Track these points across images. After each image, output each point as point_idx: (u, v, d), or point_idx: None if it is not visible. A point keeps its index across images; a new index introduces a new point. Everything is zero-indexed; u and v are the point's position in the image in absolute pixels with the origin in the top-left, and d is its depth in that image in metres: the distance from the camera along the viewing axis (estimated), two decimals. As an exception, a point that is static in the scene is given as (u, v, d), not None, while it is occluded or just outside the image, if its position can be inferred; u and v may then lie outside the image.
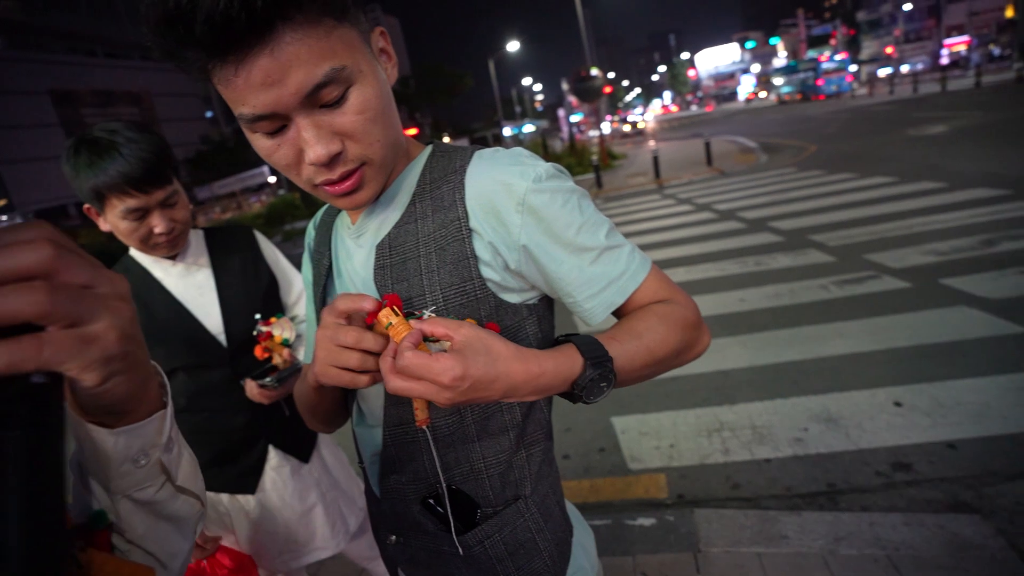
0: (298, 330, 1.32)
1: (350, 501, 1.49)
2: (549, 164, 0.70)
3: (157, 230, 1.17)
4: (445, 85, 37.21)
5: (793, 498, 2.21)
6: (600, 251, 0.68)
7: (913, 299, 3.72)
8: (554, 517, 0.79)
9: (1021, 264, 3.92)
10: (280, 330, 1.23)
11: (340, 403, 0.83)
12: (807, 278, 4.47)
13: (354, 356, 0.61)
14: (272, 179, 33.51)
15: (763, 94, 61.94)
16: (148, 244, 1.20)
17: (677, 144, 20.67)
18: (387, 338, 0.60)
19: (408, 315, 0.62)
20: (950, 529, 1.86)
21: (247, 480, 1.33)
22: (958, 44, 46.39)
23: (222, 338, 1.27)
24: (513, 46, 33.30)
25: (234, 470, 1.32)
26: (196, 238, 1.34)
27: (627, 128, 35.59)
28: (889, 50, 54.35)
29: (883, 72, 46.57)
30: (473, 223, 0.68)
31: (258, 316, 1.27)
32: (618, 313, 0.72)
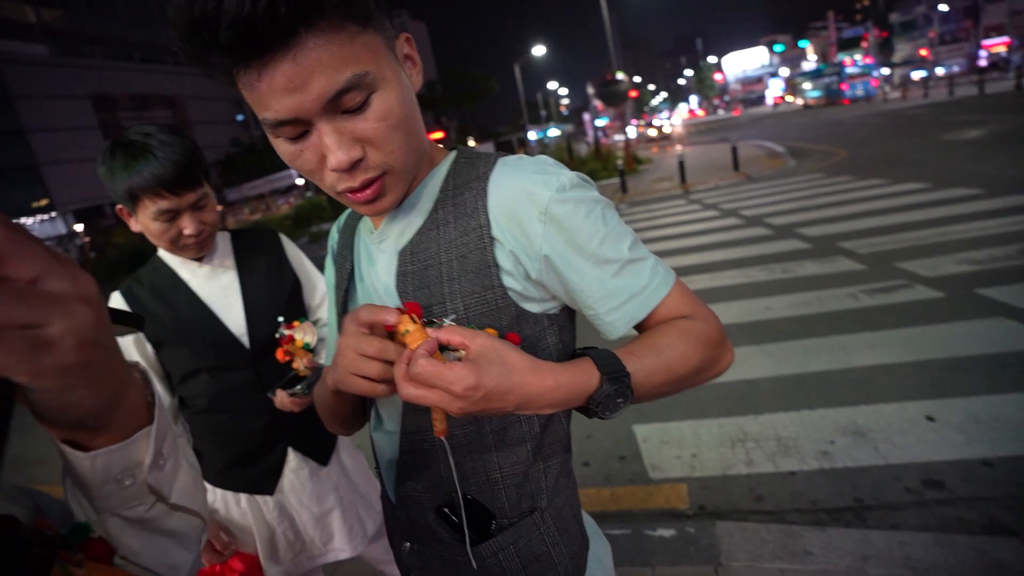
0: (320, 334, 1.34)
1: (368, 505, 1.49)
2: (573, 173, 0.69)
3: (187, 231, 1.19)
4: (471, 89, 37.43)
5: (818, 513, 2.15)
6: (623, 263, 0.67)
7: (947, 309, 3.60)
8: (570, 530, 0.78)
9: (1063, 275, 3.78)
10: (302, 334, 1.24)
11: (358, 407, 0.83)
12: (835, 286, 4.36)
13: (375, 366, 0.61)
14: (300, 181, 34.03)
15: (790, 98, 60.99)
16: (177, 245, 1.22)
17: (703, 148, 20.44)
18: (406, 347, 0.60)
19: (428, 323, 0.62)
20: (987, 552, 1.79)
21: (266, 481, 1.34)
22: (997, 45, 45.00)
23: (245, 340, 1.29)
24: (539, 50, 33.34)
25: (253, 471, 1.33)
26: (223, 240, 1.36)
27: (652, 132, 35.35)
28: (923, 52, 52.91)
29: (917, 75, 45.44)
30: (495, 231, 0.67)
31: (281, 319, 1.29)
32: (639, 327, 0.70)
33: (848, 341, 3.44)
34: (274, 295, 1.35)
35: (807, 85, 42.47)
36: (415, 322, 0.59)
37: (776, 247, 5.82)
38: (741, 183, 11.00)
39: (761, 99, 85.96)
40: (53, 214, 38.49)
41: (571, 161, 19.00)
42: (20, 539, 0.37)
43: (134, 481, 0.43)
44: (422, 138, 0.69)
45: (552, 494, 0.76)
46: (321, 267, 1.38)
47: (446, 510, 0.75)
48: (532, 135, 40.31)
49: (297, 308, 1.40)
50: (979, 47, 45.96)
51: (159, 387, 1.26)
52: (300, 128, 0.59)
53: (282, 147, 0.62)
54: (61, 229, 38.73)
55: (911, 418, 2.58)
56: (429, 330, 0.59)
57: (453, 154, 0.76)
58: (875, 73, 36.35)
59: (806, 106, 40.76)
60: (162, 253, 1.31)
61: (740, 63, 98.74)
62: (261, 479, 1.34)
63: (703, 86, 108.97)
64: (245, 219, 33.12)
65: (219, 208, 1.30)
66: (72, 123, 38.86)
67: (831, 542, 1.93)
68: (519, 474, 0.74)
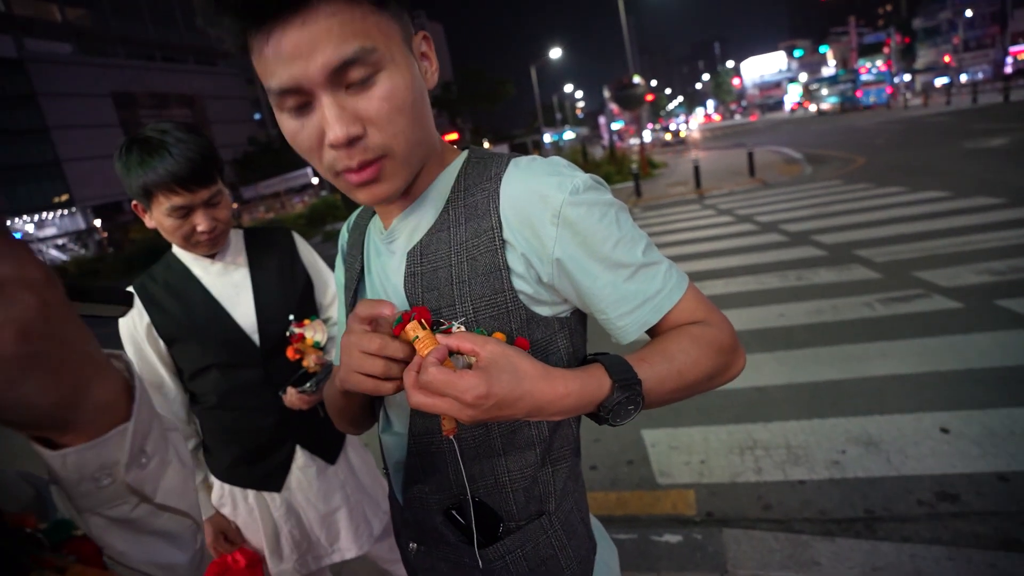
0: (330, 332, 1.35)
1: (375, 504, 1.49)
2: (587, 175, 0.68)
3: (200, 228, 1.21)
4: (487, 91, 37.51)
5: (828, 523, 2.13)
6: (636, 268, 0.66)
7: (965, 320, 3.53)
8: (578, 534, 0.78)
9: (1086, 287, 3.70)
10: (312, 332, 1.25)
11: (367, 407, 0.84)
12: (851, 294, 4.31)
13: (378, 363, 0.61)
14: (315, 180, 34.39)
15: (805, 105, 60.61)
16: (190, 241, 1.23)
17: (719, 153, 20.31)
18: (411, 346, 0.60)
19: (435, 325, 0.61)
20: (1002, 568, 1.75)
21: (273, 478, 1.35)
22: (1025, 51, 44.32)
23: (256, 337, 1.30)
24: (555, 53, 33.35)
25: (261, 468, 1.34)
26: (236, 238, 1.37)
27: (668, 136, 35.19)
28: (947, 59, 52.10)
29: (939, 81, 44.79)
30: (507, 234, 0.66)
31: (292, 317, 1.30)
32: (652, 331, 0.70)
33: (862, 350, 3.39)
34: (285, 293, 1.36)
35: (824, 91, 42.24)
36: (424, 327, 0.58)
37: (791, 254, 5.76)
38: (757, 189, 10.90)
39: (779, 104, 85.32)
40: (73, 209, 39.23)
41: (585, 164, 18.95)
42: None
43: (112, 480, 0.39)
44: (430, 132, 0.68)
45: (560, 498, 0.76)
46: (333, 266, 1.39)
47: (454, 512, 0.75)
48: (547, 138, 40.32)
49: (308, 306, 1.41)
50: (1006, 53, 45.21)
51: (169, 382, 1.28)
52: (303, 99, 0.59)
53: (285, 122, 0.62)
54: (80, 224, 39.48)
55: (925, 429, 2.54)
56: (439, 336, 0.58)
57: (465, 154, 0.75)
58: (891, 81, 36.19)
59: (820, 112, 40.57)
60: (175, 250, 1.32)
61: (758, 68, 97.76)
62: (269, 476, 1.35)
63: (720, 91, 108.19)
64: (260, 217, 33.49)
65: (234, 206, 1.31)
66: (93, 120, 39.61)
67: (840, 552, 1.91)
68: (528, 478, 0.73)
